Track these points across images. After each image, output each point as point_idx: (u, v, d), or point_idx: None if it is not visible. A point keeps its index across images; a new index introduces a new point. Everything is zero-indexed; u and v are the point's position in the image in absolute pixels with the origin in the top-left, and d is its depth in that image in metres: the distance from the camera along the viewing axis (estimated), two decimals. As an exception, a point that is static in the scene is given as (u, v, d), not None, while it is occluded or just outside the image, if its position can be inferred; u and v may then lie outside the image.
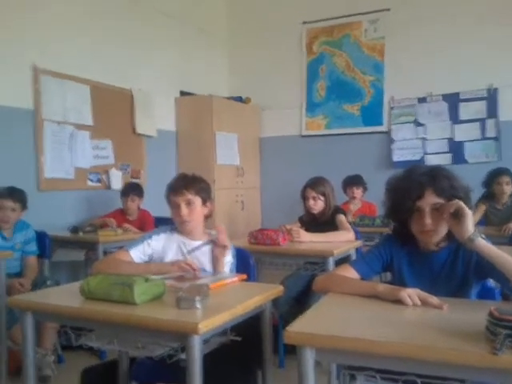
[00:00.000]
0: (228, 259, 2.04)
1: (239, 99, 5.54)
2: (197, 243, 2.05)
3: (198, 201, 2.06)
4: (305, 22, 5.50)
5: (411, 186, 1.57)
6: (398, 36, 5.05)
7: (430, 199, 1.55)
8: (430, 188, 1.55)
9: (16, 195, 3.01)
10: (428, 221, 1.54)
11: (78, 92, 4.02)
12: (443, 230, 1.58)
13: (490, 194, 3.86)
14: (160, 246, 2.07)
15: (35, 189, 3.63)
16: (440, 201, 1.54)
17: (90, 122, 4.12)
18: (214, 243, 2.00)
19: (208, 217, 2.14)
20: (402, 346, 1.12)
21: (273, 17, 5.63)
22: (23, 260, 3.08)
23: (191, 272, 1.85)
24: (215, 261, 2.00)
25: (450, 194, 1.55)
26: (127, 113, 4.53)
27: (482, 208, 3.82)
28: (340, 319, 1.35)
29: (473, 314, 1.30)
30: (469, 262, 1.58)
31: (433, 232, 1.57)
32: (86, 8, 4.08)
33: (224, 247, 1.98)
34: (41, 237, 3.19)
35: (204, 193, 2.09)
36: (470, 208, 1.57)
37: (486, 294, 1.68)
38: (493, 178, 3.82)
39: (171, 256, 2.03)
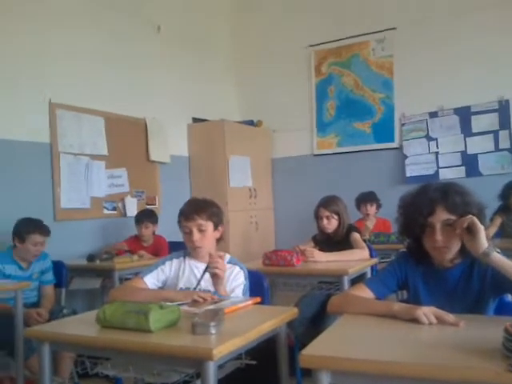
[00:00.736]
0: (240, 281, 2.04)
1: (251, 123, 5.60)
2: None
3: (209, 226, 2.06)
4: (312, 45, 5.58)
5: (423, 202, 1.57)
6: (406, 53, 5.08)
7: (442, 215, 1.54)
8: (441, 204, 1.54)
9: (45, 230, 3.07)
10: (439, 237, 1.54)
11: (93, 124, 4.12)
12: (456, 247, 1.56)
13: (506, 207, 3.81)
14: (173, 271, 2.08)
15: (52, 219, 3.69)
16: (452, 217, 1.53)
17: (104, 152, 4.21)
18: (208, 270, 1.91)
19: (220, 240, 2.15)
20: (418, 366, 1.10)
21: (280, 40, 5.72)
22: (40, 290, 3.12)
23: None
24: (216, 286, 1.93)
25: (463, 210, 1.54)
26: (141, 141, 4.61)
27: (498, 220, 3.78)
28: (355, 341, 1.34)
29: (489, 330, 1.28)
30: (484, 276, 1.56)
31: (445, 249, 1.56)
32: (99, 43, 4.21)
33: (214, 275, 1.89)
34: (57, 266, 3.22)
35: (216, 217, 2.09)
36: (484, 224, 1.55)
37: (503, 309, 1.65)
38: (509, 190, 3.78)
39: (184, 281, 2.03)
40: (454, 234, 1.53)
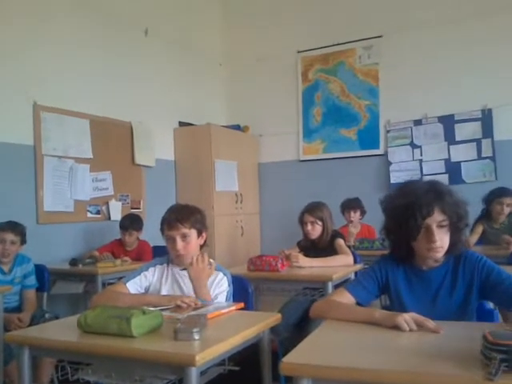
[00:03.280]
0: (224, 288, 2.03)
1: (237, 127, 5.61)
2: None
3: (193, 233, 2.05)
4: (300, 51, 5.62)
5: (420, 203, 1.55)
6: (392, 61, 5.14)
7: (438, 217, 1.56)
8: (438, 206, 1.56)
9: (16, 228, 3.04)
10: (437, 238, 1.55)
11: (78, 126, 4.08)
12: (447, 245, 1.59)
13: (487, 214, 3.83)
14: (156, 277, 2.07)
15: (34, 222, 3.64)
16: (444, 218, 1.56)
17: (89, 155, 4.17)
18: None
19: (204, 246, 2.14)
20: (398, 374, 1.11)
21: (268, 46, 5.75)
22: (22, 294, 3.07)
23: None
24: (197, 290, 1.97)
25: (454, 210, 1.57)
26: (126, 144, 4.58)
27: (480, 228, 3.80)
28: (336, 348, 1.34)
29: (470, 337, 1.29)
30: (470, 280, 1.59)
31: (441, 248, 1.58)
32: (84, 44, 4.17)
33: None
34: (39, 270, 3.18)
35: (199, 224, 2.07)
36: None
37: (485, 316, 1.68)
38: (495, 197, 3.79)
39: (167, 287, 2.02)
40: (445, 233, 1.57)
